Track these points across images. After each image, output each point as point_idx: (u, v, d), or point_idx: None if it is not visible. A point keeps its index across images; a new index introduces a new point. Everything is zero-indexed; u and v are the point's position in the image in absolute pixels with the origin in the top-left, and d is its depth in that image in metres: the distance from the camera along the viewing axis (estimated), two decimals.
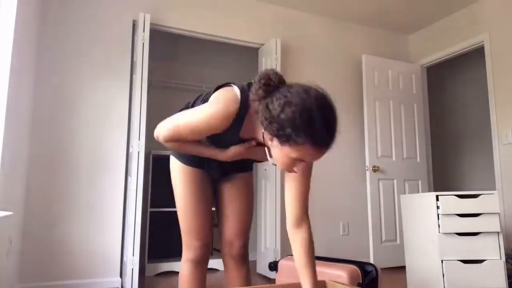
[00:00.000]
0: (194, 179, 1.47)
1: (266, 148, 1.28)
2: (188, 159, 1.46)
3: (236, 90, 1.21)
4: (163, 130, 1.28)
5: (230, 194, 1.57)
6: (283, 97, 1.07)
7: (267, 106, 1.09)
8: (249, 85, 1.24)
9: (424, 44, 4.54)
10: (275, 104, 1.07)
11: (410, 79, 4.42)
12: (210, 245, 1.53)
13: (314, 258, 1.28)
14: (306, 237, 1.29)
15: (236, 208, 1.57)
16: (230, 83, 1.28)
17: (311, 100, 1.06)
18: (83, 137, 3.11)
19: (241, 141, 1.31)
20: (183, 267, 1.48)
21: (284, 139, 1.07)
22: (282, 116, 1.05)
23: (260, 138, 1.27)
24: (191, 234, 1.46)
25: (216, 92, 1.26)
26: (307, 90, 1.09)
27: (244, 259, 1.58)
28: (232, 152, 1.31)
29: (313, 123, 1.03)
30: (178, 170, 1.48)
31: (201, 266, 1.47)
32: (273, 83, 1.13)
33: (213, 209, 1.62)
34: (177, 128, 1.24)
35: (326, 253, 3.85)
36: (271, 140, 1.12)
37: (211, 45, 4.43)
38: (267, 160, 1.36)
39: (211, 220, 1.55)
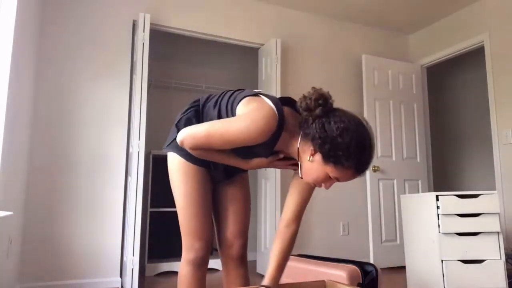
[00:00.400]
0: (197, 178, 1.44)
1: (299, 164, 1.30)
2: (193, 156, 1.42)
3: (272, 105, 1.23)
4: (191, 137, 1.27)
5: (229, 194, 1.57)
6: (341, 121, 1.17)
7: (323, 126, 1.18)
8: (279, 100, 1.31)
9: (424, 44, 4.54)
10: (333, 126, 1.16)
11: (410, 79, 4.42)
12: (211, 246, 1.52)
13: (286, 255, 1.37)
14: (288, 236, 1.38)
15: (236, 208, 1.56)
16: (258, 94, 1.32)
17: (365, 131, 1.19)
18: (83, 137, 3.11)
19: (272, 153, 1.35)
20: (183, 268, 1.47)
21: (332, 159, 1.17)
22: (339, 139, 1.15)
23: (290, 151, 1.31)
24: (192, 235, 1.44)
25: (250, 104, 1.26)
26: (360, 119, 1.22)
27: (243, 259, 1.58)
28: (256, 163, 1.36)
29: (363, 153, 1.16)
30: (179, 168, 1.44)
31: (201, 267, 1.46)
32: (330, 105, 1.22)
33: None
34: (210, 137, 1.24)
35: (326, 253, 3.85)
36: (312, 155, 1.21)
37: (211, 45, 4.43)
38: (282, 168, 1.41)
39: (212, 221, 1.54)
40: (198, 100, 1.51)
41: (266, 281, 1.32)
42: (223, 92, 1.46)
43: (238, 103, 1.31)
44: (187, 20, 3.61)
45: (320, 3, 4.01)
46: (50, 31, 3.11)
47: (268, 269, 1.35)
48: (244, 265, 1.59)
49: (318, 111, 1.19)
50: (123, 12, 3.37)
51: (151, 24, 3.36)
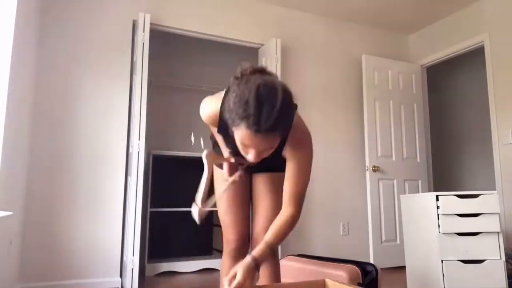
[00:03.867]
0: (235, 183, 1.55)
1: None
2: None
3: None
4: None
5: (262, 191, 1.64)
6: (237, 84, 1.17)
7: (226, 93, 1.24)
8: None
9: (424, 44, 4.53)
10: (231, 91, 1.18)
11: (410, 79, 4.41)
12: (247, 238, 1.64)
13: (278, 233, 1.36)
14: (283, 219, 1.38)
15: (265, 204, 1.62)
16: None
17: (254, 86, 1.12)
18: (83, 137, 3.11)
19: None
20: (223, 258, 1.65)
21: (231, 122, 1.16)
22: (232, 100, 1.15)
23: None
24: (226, 228, 1.61)
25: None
26: (256, 80, 1.16)
27: (275, 254, 1.64)
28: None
29: (248, 106, 1.10)
30: (221, 176, 1.58)
31: (237, 258, 1.56)
32: (245, 72, 1.22)
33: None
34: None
35: (326, 253, 3.85)
36: (231, 126, 1.21)
37: (211, 45, 4.43)
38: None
39: (248, 214, 1.65)
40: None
41: (254, 251, 1.33)
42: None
43: None
44: (187, 20, 3.61)
45: (320, 3, 4.01)
46: (50, 31, 3.11)
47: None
48: (276, 260, 1.65)
49: (231, 80, 1.23)
50: (123, 12, 3.36)
51: (151, 24, 3.36)
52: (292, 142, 1.35)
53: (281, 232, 1.37)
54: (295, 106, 1.27)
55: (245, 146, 1.18)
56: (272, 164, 1.57)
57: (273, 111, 1.10)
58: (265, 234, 1.55)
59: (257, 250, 1.33)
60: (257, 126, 1.10)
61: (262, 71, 1.26)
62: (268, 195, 1.61)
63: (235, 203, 1.61)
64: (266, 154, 1.22)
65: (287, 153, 1.38)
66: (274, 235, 1.36)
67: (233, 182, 1.51)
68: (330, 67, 4.22)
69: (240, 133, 1.14)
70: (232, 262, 1.58)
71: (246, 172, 1.58)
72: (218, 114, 1.35)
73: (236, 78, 1.21)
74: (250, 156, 1.20)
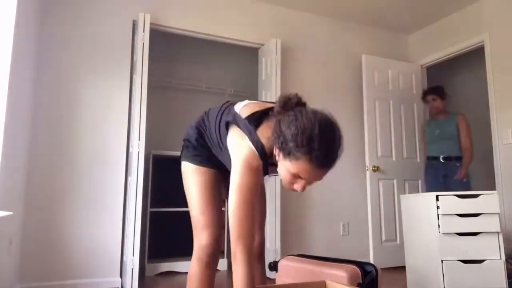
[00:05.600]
0: (208, 178, 1.50)
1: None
2: (201, 161, 1.51)
3: (249, 145, 1.26)
4: (239, 236, 1.19)
5: None
6: (293, 115, 1.17)
7: (279, 122, 1.19)
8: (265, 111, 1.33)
9: (424, 44, 4.53)
10: (285, 121, 1.17)
11: (410, 79, 4.41)
12: (220, 244, 1.54)
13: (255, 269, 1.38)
14: (257, 245, 1.44)
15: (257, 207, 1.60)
16: (234, 122, 1.33)
17: (315, 120, 1.15)
18: (83, 137, 3.11)
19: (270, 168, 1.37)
20: (193, 265, 1.50)
21: (286, 152, 1.15)
22: (288, 131, 1.15)
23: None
24: (202, 232, 1.47)
25: (232, 146, 1.31)
26: (315, 112, 1.20)
27: (261, 257, 1.63)
28: None
29: (312, 141, 1.12)
30: (192, 172, 1.51)
31: (210, 264, 1.48)
32: (291, 103, 1.23)
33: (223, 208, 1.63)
34: (246, 215, 1.21)
35: (326, 253, 3.85)
36: (278, 154, 1.21)
37: (211, 45, 4.43)
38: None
39: (222, 218, 1.59)
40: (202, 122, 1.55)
41: None
42: (208, 115, 1.53)
43: (225, 137, 1.38)
44: (187, 20, 3.61)
45: (320, 3, 4.01)
46: (50, 31, 3.11)
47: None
48: (263, 261, 1.64)
49: (278, 109, 1.24)
50: (123, 12, 3.36)
51: (151, 24, 3.36)
52: None
53: (258, 265, 1.48)
54: None
55: (297, 177, 1.19)
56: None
57: (334, 147, 1.16)
58: (260, 233, 1.59)
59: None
60: (321, 161, 1.13)
61: (305, 103, 1.29)
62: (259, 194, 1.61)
63: (217, 204, 1.51)
64: (308, 185, 1.23)
65: None
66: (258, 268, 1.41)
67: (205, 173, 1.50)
68: (330, 67, 4.22)
69: (298, 166, 1.14)
70: (205, 271, 1.47)
71: (219, 171, 1.55)
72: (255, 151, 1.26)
73: (283, 107, 1.23)
74: (297, 187, 1.20)
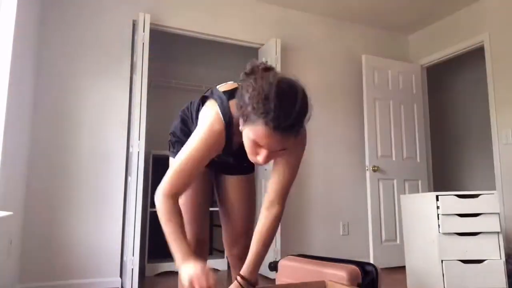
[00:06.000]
0: (195, 188, 1.48)
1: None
2: None
3: (217, 108, 1.24)
4: (164, 181, 1.22)
5: (236, 193, 1.58)
6: (254, 79, 1.09)
7: (241, 87, 1.13)
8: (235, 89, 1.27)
9: (424, 44, 4.53)
10: (246, 86, 1.10)
11: (410, 79, 4.41)
12: (207, 243, 1.54)
13: (266, 241, 1.32)
14: (270, 219, 1.32)
15: (242, 207, 1.58)
16: (210, 96, 1.32)
17: (274, 82, 1.05)
18: (83, 137, 3.11)
19: (238, 149, 1.31)
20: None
21: (245, 118, 1.08)
22: (247, 94, 1.07)
23: None
24: (188, 231, 1.45)
25: (202, 113, 1.29)
26: (276, 74, 1.11)
27: (243, 260, 1.58)
28: (185, 277, 1.15)
29: (268, 102, 1.02)
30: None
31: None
32: (257, 69, 1.14)
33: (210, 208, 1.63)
34: (179, 168, 1.20)
35: (326, 253, 3.85)
36: (241, 123, 1.13)
37: (211, 45, 4.43)
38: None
39: (208, 218, 1.55)
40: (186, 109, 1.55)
41: (243, 270, 1.30)
42: (193, 101, 1.52)
43: (199, 111, 1.36)
44: (187, 20, 3.61)
45: (320, 3, 4.01)
46: (50, 31, 3.11)
47: (247, 257, 1.31)
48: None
49: (243, 76, 1.16)
50: (123, 12, 3.36)
51: (151, 24, 3.36)
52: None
53: (270, 237, 1.32)
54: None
55: (257, 145, 1.10)
56: (243, 166, 1.56)
57: (294, 109, 1.04)
58: (245, 237, 1.54)
59: (247, 268, 1.26)
60: (277, 123, 1.02)
61: (273, 69, 1.18)
62: (245, 196, 1.58)
63: (204, 204, 1.49)
64: (273, 158, 1.15)
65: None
66: (264, 244, 1.31)
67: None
68: (330, 67, 4.22)
69: (255, 131, 1.05)
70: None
71: (211, 170, 1.53)
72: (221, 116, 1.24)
73: (247, 74, 1.14)
74: (260, 158, 1.11)
